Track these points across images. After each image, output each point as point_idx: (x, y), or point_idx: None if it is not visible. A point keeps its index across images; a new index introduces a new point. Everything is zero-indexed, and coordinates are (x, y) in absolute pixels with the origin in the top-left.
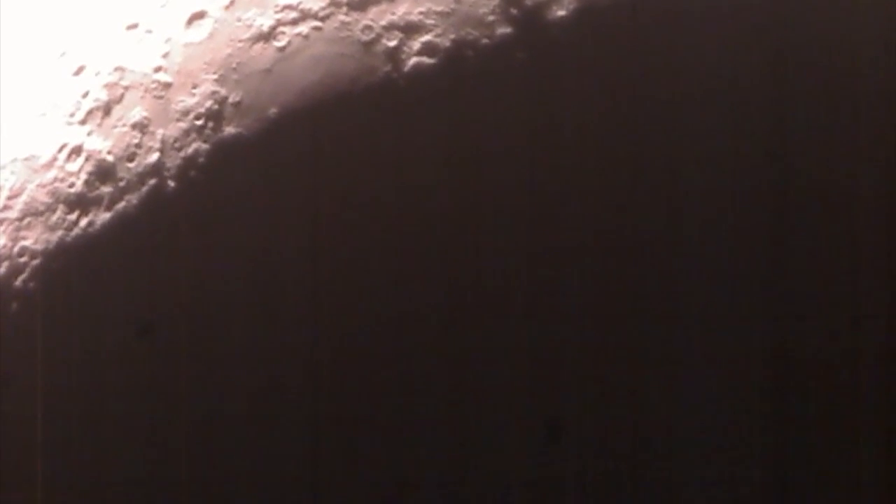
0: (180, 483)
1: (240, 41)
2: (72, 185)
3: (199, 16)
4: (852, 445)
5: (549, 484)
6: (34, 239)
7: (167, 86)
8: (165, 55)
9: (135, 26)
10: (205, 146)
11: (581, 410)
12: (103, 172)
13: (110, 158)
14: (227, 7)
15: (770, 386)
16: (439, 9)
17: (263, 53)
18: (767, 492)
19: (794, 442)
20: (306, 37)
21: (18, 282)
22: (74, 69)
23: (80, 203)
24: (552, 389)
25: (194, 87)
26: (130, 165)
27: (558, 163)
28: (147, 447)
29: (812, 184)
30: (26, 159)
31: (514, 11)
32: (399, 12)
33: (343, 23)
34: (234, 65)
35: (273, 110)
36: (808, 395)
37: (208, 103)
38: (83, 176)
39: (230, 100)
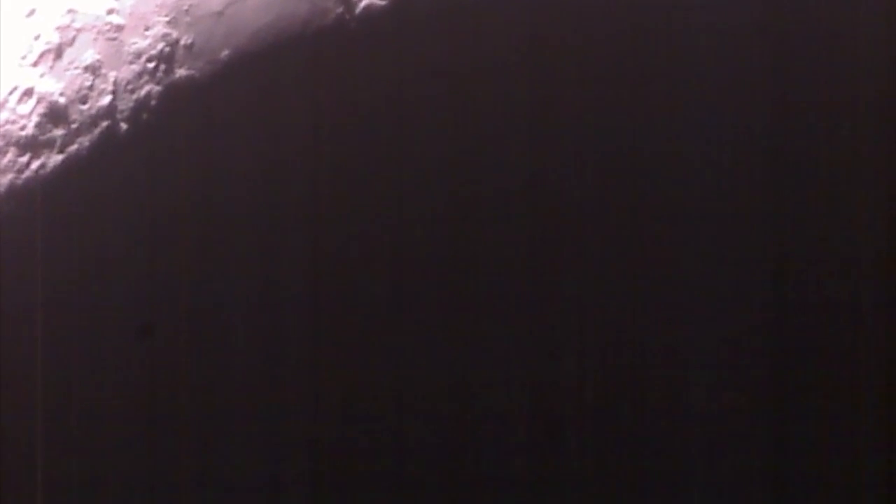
0: (180, 482)
1: None
2: (23, 128)
3: None
4: (855, 451)
5: (549, 484)
6: None
7: (119, 28)
8: None
9: None
10: (157, 88)
11: (581, 410)
12: (55, 115)
13: (62, 101)
14: None
15: (771, 384)
16: None
17: None
18: (768, 491)
19: (794, 442)
20: None
21: None
22: (26, 11)
23: (31, 145)
24: (553, 389)
25: (146, 29)
26: (83, 108)
27: (513, 110)
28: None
29: (812, 176)
30: None
31: None
32: None
33: None
34: (185, 7)
35: (225, 52)
36: (808, 393)
37: (160, 45)
38: (35, 118)
39: (182, 42)
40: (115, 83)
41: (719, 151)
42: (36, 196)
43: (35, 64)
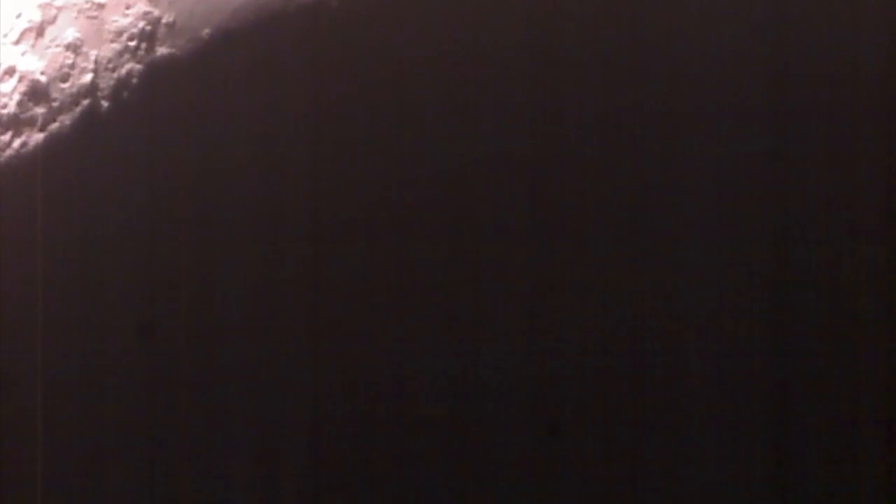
0: (180, 481)
1: None
2: (5, 106)
3: None
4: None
5: (549, 483)
6: None
7: (100, 6)
8: None
9: None
10: (138, 67)
11: (581, 410)
12: (37, 93)
13: (43, 79)
14: None
15: (770, 380)
16: None
17: None
18: (767, 491)
19: (794, 444)
20: None
21: None
22: None
23: (13, 123)
24: (553, 389)
25: (127, 7)
26: (64, 86)
27: (506, 87)
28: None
29: (812, 173)
30: None
31: None
32: None
33: None
34: None
35: (206, 31)
36: (809, 396)
37: (141, 24)
38: (16, 97)
39: (163, 20)
40: (96, 61)
41: (719, 145)
42: (17, 173)
43: (17, 42)
